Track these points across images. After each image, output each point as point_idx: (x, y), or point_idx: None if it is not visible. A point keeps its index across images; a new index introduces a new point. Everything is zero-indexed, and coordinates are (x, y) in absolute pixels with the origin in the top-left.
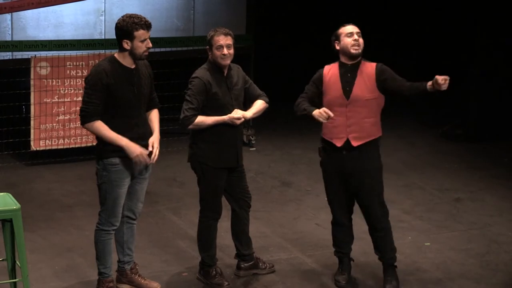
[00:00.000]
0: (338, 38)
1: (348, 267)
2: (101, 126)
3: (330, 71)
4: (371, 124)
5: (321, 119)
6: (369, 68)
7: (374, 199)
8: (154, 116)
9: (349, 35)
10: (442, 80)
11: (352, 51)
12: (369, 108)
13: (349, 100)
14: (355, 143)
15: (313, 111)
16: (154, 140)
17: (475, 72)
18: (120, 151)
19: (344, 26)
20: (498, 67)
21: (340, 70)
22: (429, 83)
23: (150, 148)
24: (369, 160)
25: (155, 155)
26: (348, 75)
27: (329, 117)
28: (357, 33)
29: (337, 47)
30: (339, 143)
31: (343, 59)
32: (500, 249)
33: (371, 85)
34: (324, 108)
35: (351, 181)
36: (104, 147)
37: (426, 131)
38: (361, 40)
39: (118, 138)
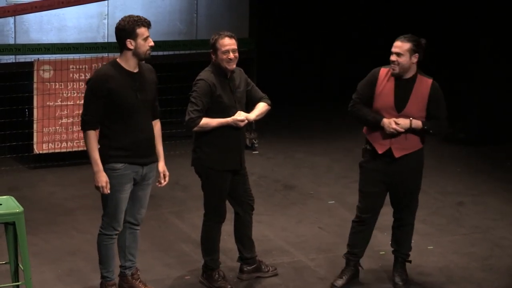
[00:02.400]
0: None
1: (352, 271)
2: (91, 139)
3: (387, 76)
4: (416, 135)
5: (388, 130)
6: (424, 86)
7: (412, 200)
8: (157, 132)
9: (392, 53)
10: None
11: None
12: None
13: (400, 114)
14: (397, 154)
15: (381, 119)
16: (165, 169)
17: (478, 76)
18: (122, 156)
19: (396, 41)
20: (501, 71)
21: (395, 81)
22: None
23: (162, 181)
24: (414, 170)
25: (165, 183)
26: (403, 90)
27: (397, 132)
28: (396, 52)
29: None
30: (380, 150)
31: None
32: (503, 253)
33: (423, 105)
34: (394, 120)
35: (392, 185)
36: (106, 152)
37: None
38: (398, 60)
39: (96, 161)
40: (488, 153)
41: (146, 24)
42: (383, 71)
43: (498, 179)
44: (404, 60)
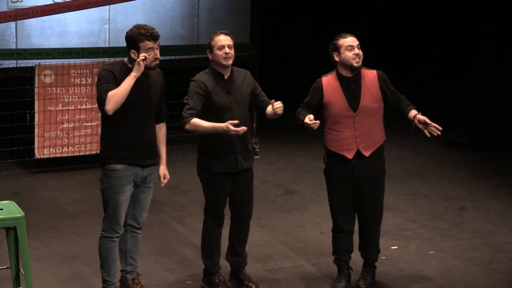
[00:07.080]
0: (338, 50)
1: (347, 275)
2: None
3: (330, 83)
4: (378, 131)
5: (312, 126)
6: (371, 76)
7: (377, 203)
8: (162, 136)
9: (350, 48)
10: (432, 127)
11: (354, 64)
12: (376, 117)
13: (357, 112)
14: (366, 153)
15: (304, 120)
16: (166, 172)
17: (480, 80)
18: (122, 157)
19: (343, 37)
20: (503, 75)
21: (340, 83)
22: (412, 114)
23: (162, 179)
24: (377, 166)
25: (166, 182)
26: (352, 87)
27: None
28: (357, 45)
29: (336, 59)
30: (350, 155)
31: (342, 71)
32: (504, 258)
33: (376, 94)
34: (309, 116)
35: (358, 186)
36: (106, 153)
37: (430, 139)
38: (361, 53)
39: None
40: (490, 158)
41: (152, 37)
42: (325, 79)
43: (500, 184)
44: (362, 53)
